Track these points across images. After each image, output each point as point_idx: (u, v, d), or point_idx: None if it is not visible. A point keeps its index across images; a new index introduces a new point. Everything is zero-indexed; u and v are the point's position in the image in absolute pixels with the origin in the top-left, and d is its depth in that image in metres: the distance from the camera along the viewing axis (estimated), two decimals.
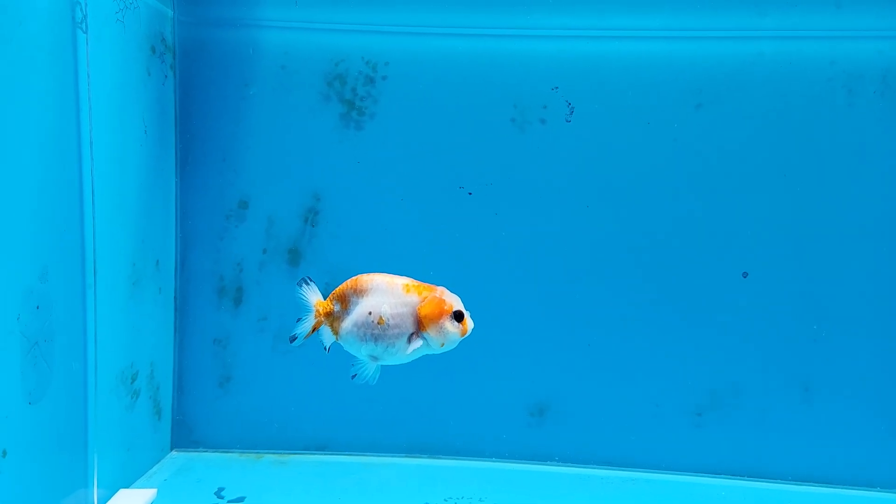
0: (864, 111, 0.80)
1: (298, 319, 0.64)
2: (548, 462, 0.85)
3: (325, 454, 0.86)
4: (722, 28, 0.82)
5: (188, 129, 0.85)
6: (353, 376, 0.59)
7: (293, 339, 0.61)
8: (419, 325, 0.56)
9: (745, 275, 0.83)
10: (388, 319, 0.56)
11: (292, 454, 0.86)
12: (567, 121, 0.84)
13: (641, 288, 0.83)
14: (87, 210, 0.67)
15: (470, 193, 0.85)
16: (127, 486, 0.75)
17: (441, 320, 0.56)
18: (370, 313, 0.57)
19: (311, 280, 0.63)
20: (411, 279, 0.59)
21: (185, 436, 0.87)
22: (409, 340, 0.57)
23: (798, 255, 0.82)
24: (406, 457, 0.86)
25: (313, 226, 0.86)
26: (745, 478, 0.82)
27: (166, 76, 0.83)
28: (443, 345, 0.57)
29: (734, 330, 0.83)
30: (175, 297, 0.87)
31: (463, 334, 0.57)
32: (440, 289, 0.59)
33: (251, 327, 0.86)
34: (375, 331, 0.57)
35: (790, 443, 0.82)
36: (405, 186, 0.85)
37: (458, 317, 0.57)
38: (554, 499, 0.76)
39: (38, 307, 0.60)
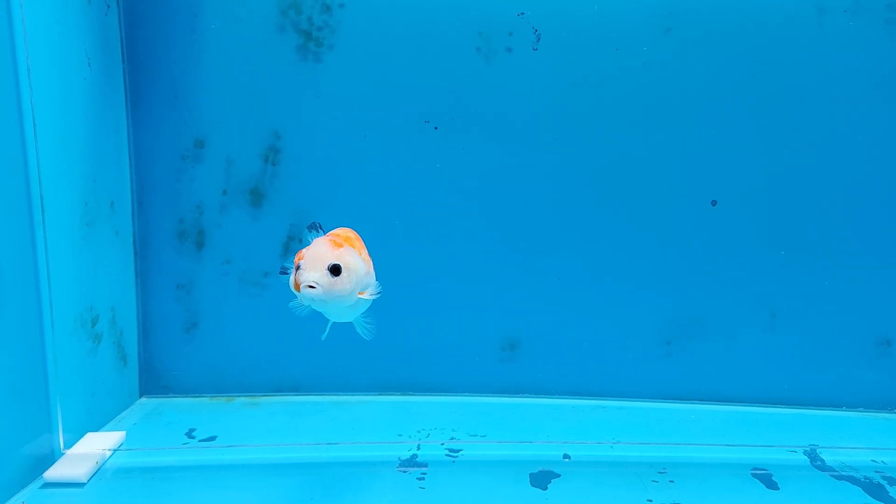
0: (834, 31, 0.78)
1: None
2: (520, 395, 0.86)
3: (297, 395, 0.86)
4: None
5: (136, 62, 0.81)
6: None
7: (283, 271, 0.58)
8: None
9: (713, 203, 0.82)
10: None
11: (264, 396, 0.85)
12: (534, 49, 0.81)
13: (611, 219, 0.82)
14: (30, 143, 0.63)
15: (436, 128, 0.82)
16: (94, 431, 0.73)
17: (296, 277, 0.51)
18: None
19: (320, 227, 0.60)
20: (337, 237, 0.53)
21: (153, 381, 0.85)
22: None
23: (766, 181, 0.81)
24: (378, 395, 0.86)
25: (274, 165, 0.83)
26: (713, 402, 0.84)
27: (108, 6, 0.78)
28: (302, 300, 0.51)
29: (703, 259, 0.82)
30: (134, 241, 0.84)
31: (296, 288, 0.51)
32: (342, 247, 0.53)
33: (215, 271, 0.84)
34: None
35: (757, 368, 0.83)
36: (368, 121, 0.82)
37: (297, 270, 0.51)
38: (526, 426, 0.77)
39: None
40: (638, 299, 0.83)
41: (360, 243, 0.57)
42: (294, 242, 0.84)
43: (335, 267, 0.50)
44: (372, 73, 0.81)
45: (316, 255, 0.50)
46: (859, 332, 0.82)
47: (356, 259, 0.53)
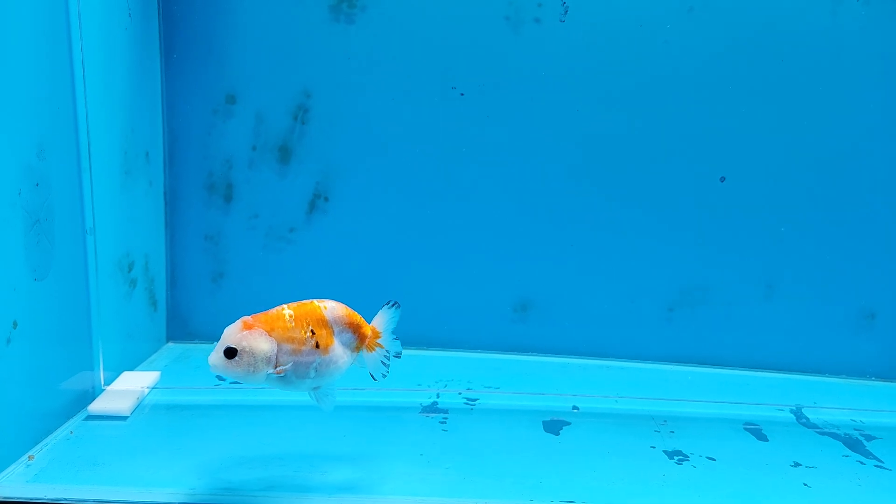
0: (848, 19, 0.82)
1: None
2: (530, 353, 0.91)
3: None
4: None
5: (171, 16, 0.82)
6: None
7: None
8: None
9: (722, 179, 0.87)
10: None
11: None
12: (561, 21, 0.83)
13: (623, 189, 0.86)
14: (79, 87, 0.65)
15: (462, 94, 0.85)
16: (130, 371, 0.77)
17: None
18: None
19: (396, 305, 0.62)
20: (268, 314, 0.55)
21: (180, 328, 0.89)
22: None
23: (772, 161, 0.86)
24: None
25: (303, 123, 0.85)
26: (709, 366, 0.90)
27: None
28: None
29: (707, 232, 0.87)
30: (165, 192, 0.86)
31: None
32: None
33: (242, 224, 0.87)
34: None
35: (750, 335, 0.89)
36: (397, 86, 0.85)
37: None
38: (536, 381, 0.83)
39: (37, 184, 0.60)
40: (643, 267, 0.88)
41: (311, 317, 0.56)
42: (320, 200, 0.87)
43: (228, 350, 0.51)
44: (402, 36, 0.83)
45: (222, 336, 0.52)
46: (846, 305, 0.89)
47: (261, 342, 0.52)
